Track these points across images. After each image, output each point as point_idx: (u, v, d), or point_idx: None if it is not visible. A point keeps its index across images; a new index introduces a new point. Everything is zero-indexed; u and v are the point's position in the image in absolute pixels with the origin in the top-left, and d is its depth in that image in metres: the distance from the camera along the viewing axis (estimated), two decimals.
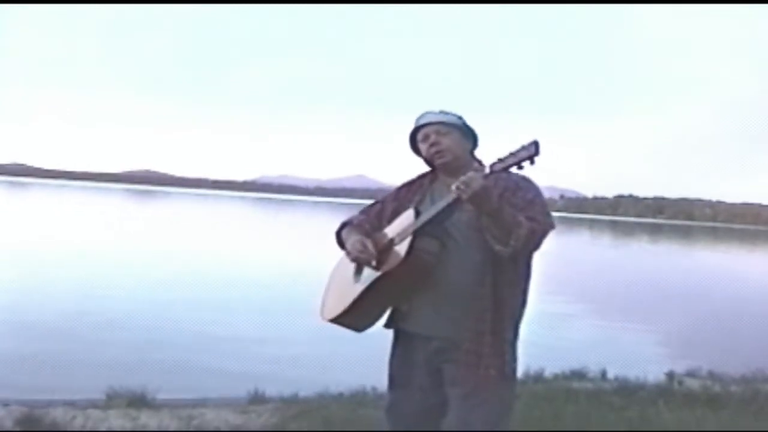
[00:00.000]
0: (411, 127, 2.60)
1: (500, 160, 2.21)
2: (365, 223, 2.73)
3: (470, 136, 2.60)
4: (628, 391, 5.71)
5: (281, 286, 13.56)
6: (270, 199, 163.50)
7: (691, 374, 6.77)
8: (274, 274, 15.70)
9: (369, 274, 2.47)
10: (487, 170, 2.24)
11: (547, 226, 2.42)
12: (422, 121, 2.60)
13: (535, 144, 2.15)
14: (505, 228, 2.30)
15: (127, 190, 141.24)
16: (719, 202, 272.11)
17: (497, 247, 2.33)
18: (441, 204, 2.37)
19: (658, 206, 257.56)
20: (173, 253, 18.76)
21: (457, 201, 2.28)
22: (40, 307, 9.49)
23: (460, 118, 2.60)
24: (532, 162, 2.15)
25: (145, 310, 9.88)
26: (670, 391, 5.84)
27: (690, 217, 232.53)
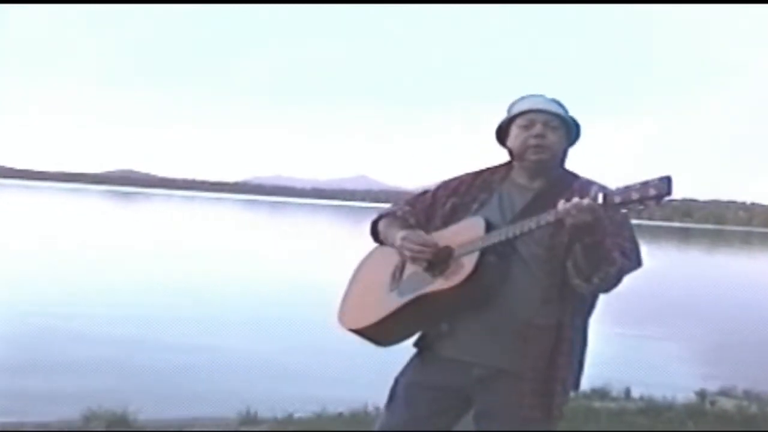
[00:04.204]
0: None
1: (619, 192, 1.93)
2: (410, 217, 2.45)
3: (572, 137, 2.37)
4: (654, 411, 5.70)
5: (275, 297, 13.55)
6: (263, 201, 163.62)
7: (724, 393, 6.76)
8: (267, 284, 15.70)
9: (413, 285, 2.24)
10: (600, 200, 1.95)
11: (636, 265, 2.22)
12: (535, 106, 2.31)
13: (668, 181, 1.86)
14: (595, 262, 2.08)
15: (107, 191, 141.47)
16: (754, 205, 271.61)
17: (576, 281, 2.13)
18: (530, 224, 2.09)
19: (687, 209, 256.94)
20: (156, 262, 18.76)
21: (552, 224, 2.05)
22: (9, 319, 9.48)
23: (566, 112, 2.37)
24: (659, 202, 1.86)
25: (125, 323, 9.87)
26: (701, 411, 5.82)
27: (722, 221, 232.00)
